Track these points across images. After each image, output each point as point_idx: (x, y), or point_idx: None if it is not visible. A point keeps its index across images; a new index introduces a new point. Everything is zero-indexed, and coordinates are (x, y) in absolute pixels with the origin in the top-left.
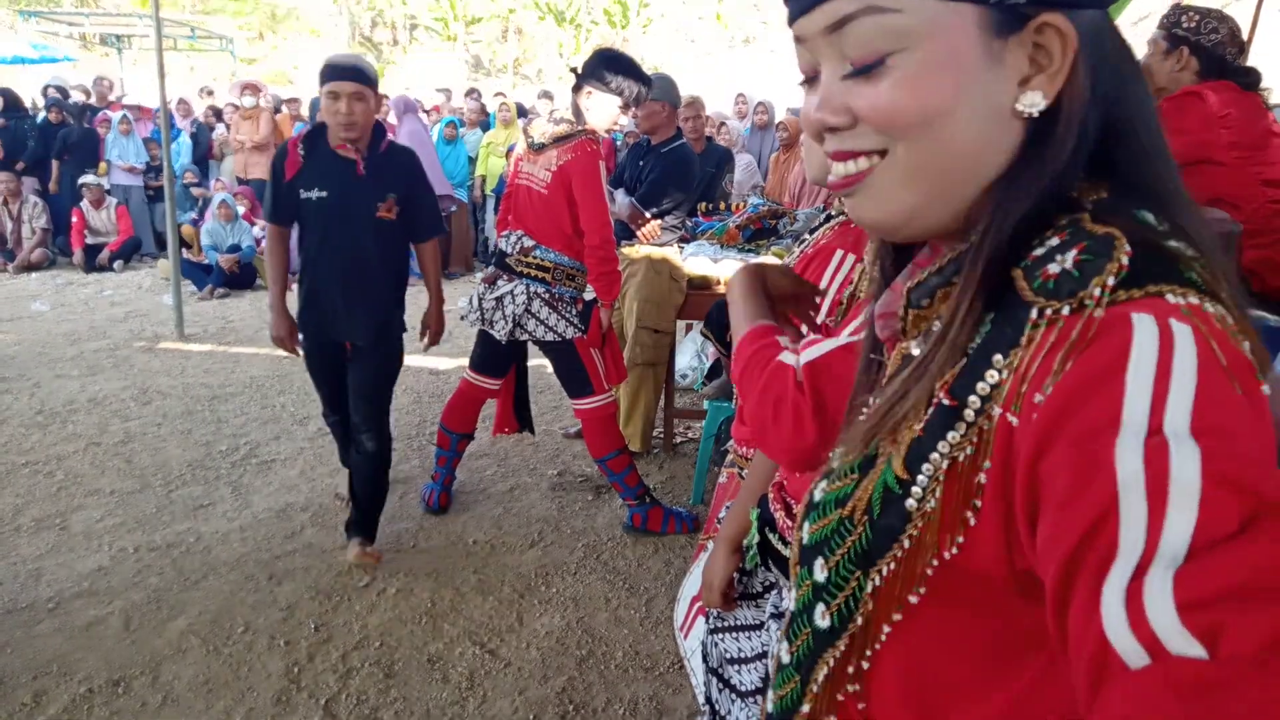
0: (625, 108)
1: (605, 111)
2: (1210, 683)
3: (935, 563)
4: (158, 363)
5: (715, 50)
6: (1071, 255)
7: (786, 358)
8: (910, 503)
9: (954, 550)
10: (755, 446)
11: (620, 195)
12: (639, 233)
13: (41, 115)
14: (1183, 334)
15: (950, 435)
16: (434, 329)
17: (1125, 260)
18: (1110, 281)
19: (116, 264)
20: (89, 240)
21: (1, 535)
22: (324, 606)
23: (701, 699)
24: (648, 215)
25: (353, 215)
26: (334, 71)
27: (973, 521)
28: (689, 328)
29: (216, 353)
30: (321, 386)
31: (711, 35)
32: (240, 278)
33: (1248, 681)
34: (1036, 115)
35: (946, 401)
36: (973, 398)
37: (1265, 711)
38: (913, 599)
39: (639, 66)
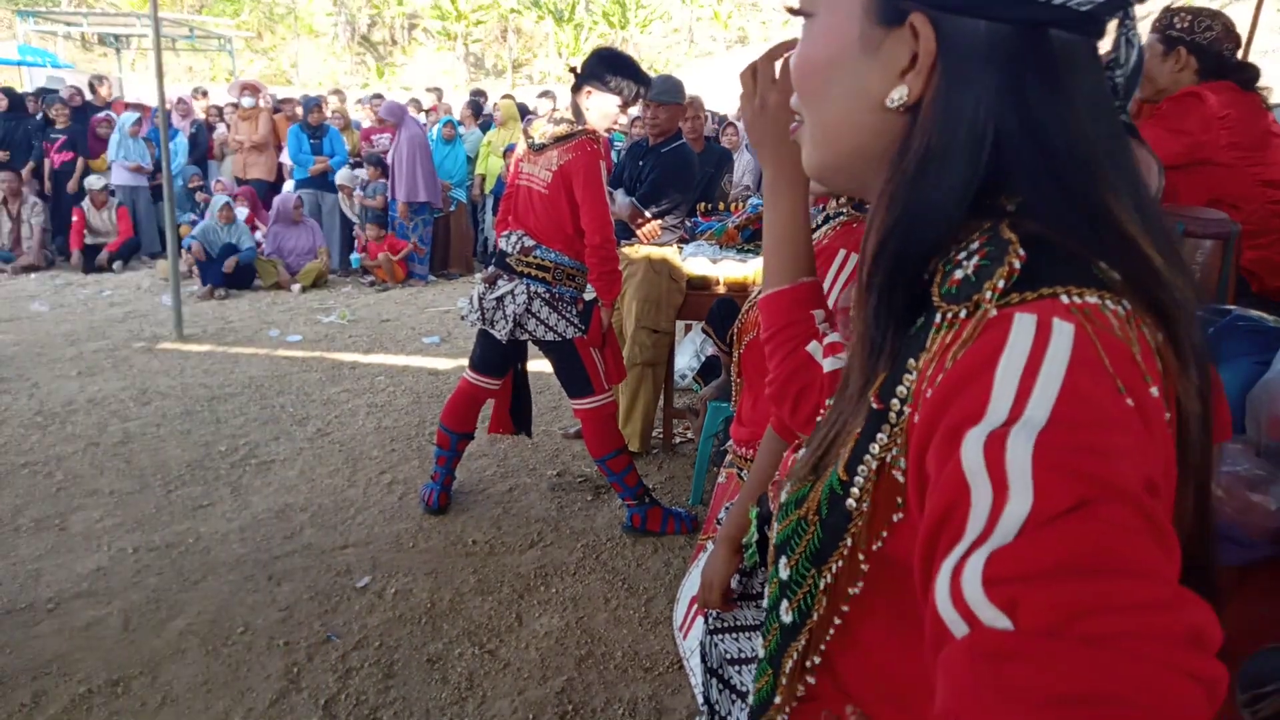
0: (624, 107)
1: (605, 111)
2: (1004, 652)
3: (864, 557)
4: (157, 363)
5: (714, 49)
6: (974, 261)
7: (814, 351)
8: (850, 502)
9: (879, 544)
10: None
11: (620, 195)
12: (639, 232)
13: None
14: (1062, 332)
15: (879, 437)
16: None
17: (1016, 264)
18: (1000, 284)
19: (116, 264)
20: (88, 240)
21: (1, 536)
22: (323, 607)
23: (701, 699)
24: (648, 214)
25: None
26: None
27: (897, 518)
28: (688, 328)
29: (215, 353)
30: None
31: (710, 34)
32: (239, 277)
33: (1039, 652)
34: (898, 109)
35: (875, 405)
36: (894, 400)
37: (1048, 682)
38: (852, 590)
39: (638, 66)
